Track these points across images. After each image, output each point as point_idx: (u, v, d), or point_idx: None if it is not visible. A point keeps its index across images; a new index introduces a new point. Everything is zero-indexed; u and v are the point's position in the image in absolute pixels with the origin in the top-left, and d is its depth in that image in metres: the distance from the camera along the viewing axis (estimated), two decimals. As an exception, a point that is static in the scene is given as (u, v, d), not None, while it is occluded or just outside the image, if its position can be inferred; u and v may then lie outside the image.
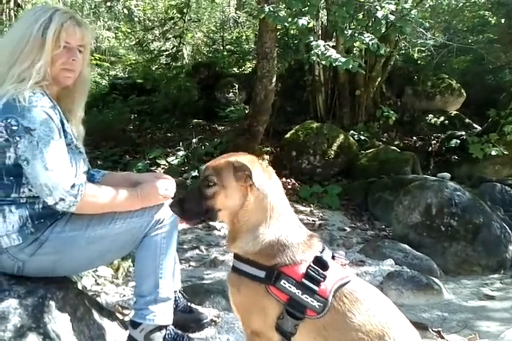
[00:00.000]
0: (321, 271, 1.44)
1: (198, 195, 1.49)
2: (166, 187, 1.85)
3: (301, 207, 4.75)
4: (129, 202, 1.79)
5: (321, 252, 1.49)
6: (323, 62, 4.13)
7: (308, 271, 1.44)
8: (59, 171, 1.63)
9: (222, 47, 9.03)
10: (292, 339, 1.45)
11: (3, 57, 1.73)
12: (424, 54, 8.12)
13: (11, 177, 1.70)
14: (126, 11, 9.87)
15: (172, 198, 1.86)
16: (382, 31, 4.53)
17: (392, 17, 4.03)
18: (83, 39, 1.81)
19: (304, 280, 1.42)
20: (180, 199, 1.54)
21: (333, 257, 1.51)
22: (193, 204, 1.49)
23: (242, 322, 1.53)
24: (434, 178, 4.67)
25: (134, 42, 9.38)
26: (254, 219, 1.49)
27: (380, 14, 4.00)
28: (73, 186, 1.64)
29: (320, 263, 1.46)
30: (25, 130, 1.61)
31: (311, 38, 4.06)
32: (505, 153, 5.48)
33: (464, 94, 7.15)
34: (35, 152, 1.61)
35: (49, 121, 1.65)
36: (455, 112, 7.11)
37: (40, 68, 1.70)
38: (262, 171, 1.50)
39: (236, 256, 1.51)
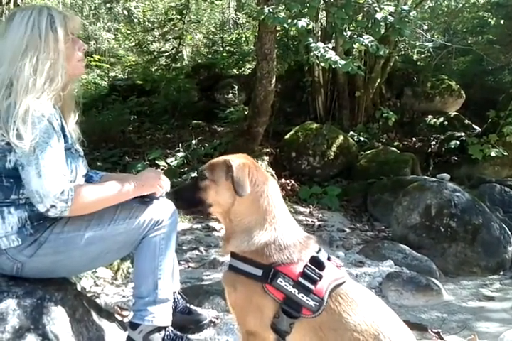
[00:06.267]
0: (317, 270, 1.45)
1: (192, 186, 1.58)
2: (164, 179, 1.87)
3: (300, 208, 4.74)
4: (122, 193, 1.76)
5: (317, 253, 1.51)
6: (323, 64, 4.13)
7: (305, 270, 1.45)
8: (51, 179, 1.59)
9: (221, 49, 9.03)
10: (287, 338, 1.45)
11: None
12: (423, 55, 8.12)
13: (11, 180, 1.69)
14: (125, 12, 9.90)
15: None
16: (382, 33, 4.52)
17: (391, 18, 4.03)
18: (80, 26, 1.85)
19: (300, 279, 1.44)
20: (177, 189, 1.69)
21: (328, 258, 1.53)
22: (187, 194, 1.59)
23: (237, 322, 1.54)
24: (434, 179, 4.66)
25: (133, 44, 9.36)
26: (247, 220, 1.51)
27: (379, 16, 4.00)
28: (63, 192, 1.60)
29: (316, 262, 1.47)
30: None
31: (311, 40, 4.05)
32: (505, 154, 5.48)
33: (464, 95, 7.14)
34: (30, 158, 1.60)
35: (49, 127, 1.64)
36: (454, 113, 7.11)
37: (62, 70, 1.70)
38: (253, 174, 1.51)
39: (233, 255, 1.52)
